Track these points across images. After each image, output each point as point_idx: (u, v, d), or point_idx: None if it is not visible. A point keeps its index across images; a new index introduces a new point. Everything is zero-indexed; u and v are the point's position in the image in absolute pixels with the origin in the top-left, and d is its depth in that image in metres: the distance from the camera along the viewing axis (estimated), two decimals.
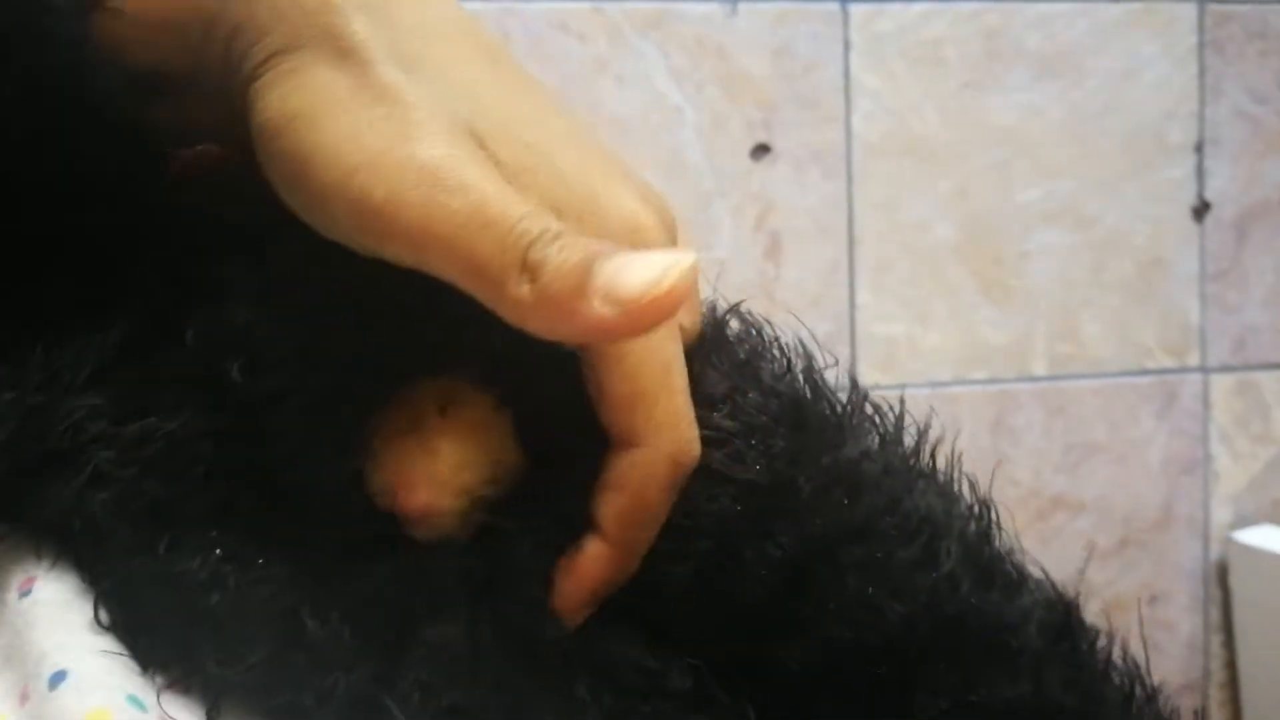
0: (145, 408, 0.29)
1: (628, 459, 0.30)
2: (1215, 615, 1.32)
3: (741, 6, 1.19)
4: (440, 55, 0.31)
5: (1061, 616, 0.32)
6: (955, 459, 0.35)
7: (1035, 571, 0.33)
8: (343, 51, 0.29)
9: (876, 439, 0.34)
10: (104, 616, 0.29)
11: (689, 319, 0.33)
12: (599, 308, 0.26)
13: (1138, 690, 0.32)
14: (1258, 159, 1.30)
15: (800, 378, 0.34)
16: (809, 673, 0.31)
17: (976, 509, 0.34)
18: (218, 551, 0.29)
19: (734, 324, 0.35)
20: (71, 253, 0.31)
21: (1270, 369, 1.31)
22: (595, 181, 0.31)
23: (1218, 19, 1.28)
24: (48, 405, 0.29)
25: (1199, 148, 1.29)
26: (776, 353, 0.35)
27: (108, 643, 0.29)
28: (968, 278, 1.25)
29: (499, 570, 0.30)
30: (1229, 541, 1.30)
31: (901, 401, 0.35)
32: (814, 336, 0.35)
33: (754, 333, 0.35)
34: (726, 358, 0.34)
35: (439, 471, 0.30)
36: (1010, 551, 0.33)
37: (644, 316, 0.26)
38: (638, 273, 0.26)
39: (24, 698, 0.28)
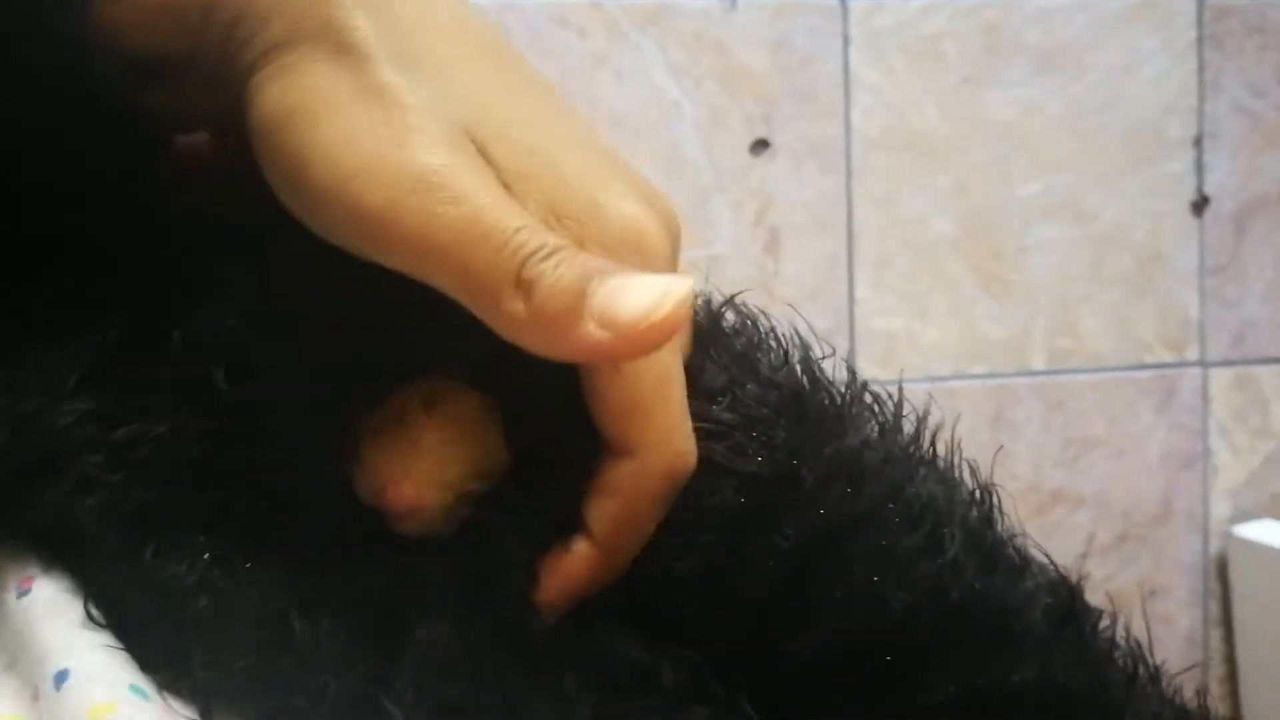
0: (134, 411, 0.29)
1: (621, 467, 0.30)
2: (1214, 610, 1.32)
3: (740, 1, 1.19)
4: (443, 55, 0.30)
5: (1065, 600, 0.32)
6: (955, 446, 0.35)
7: (1038, 556, 0.33)
8: (342, 48, 0.29)
9: (876, 428, 0.34)
10: (96, 616, 0.29)
11: (682, 338, 0.33)
12: (593, 330, 0.26)
13: (1141, 671, 0.32)
14: (1257, 153, 1.30)
15: (798, 369, 0.34)
16: (814, 664, 0.31)
17: (978, 495, 0.34)
18: (206, 555, 0.29)
19: (730, 316, 0.35)
20: (67, 253, 0.31)
21: (1269, 363, 1.31)
22: (598, 186, 0.30)
23: (1216, 14, 1.28)
24: (40, 410, 0.29)
25: (1198, 142, 1.29)
26: (773, 344, 0.34)
27: (107, 637, 0.28)
28: (967, 272, 1.25)
29: (488, 567, 0.30)
30: (1228, 536, 1.30)
31: (900, 389, 0.35)
32: (813, 331, 0.35)
33: (750, 324, 0.35)
34: (724, 350, 0.33)
35: (424, 466, 0.30)
36: (1012, 536, 0.33)
37: (639, 341, 0.26)
38: (634, 297, 0.26)
39: (35, 698, 0.28)
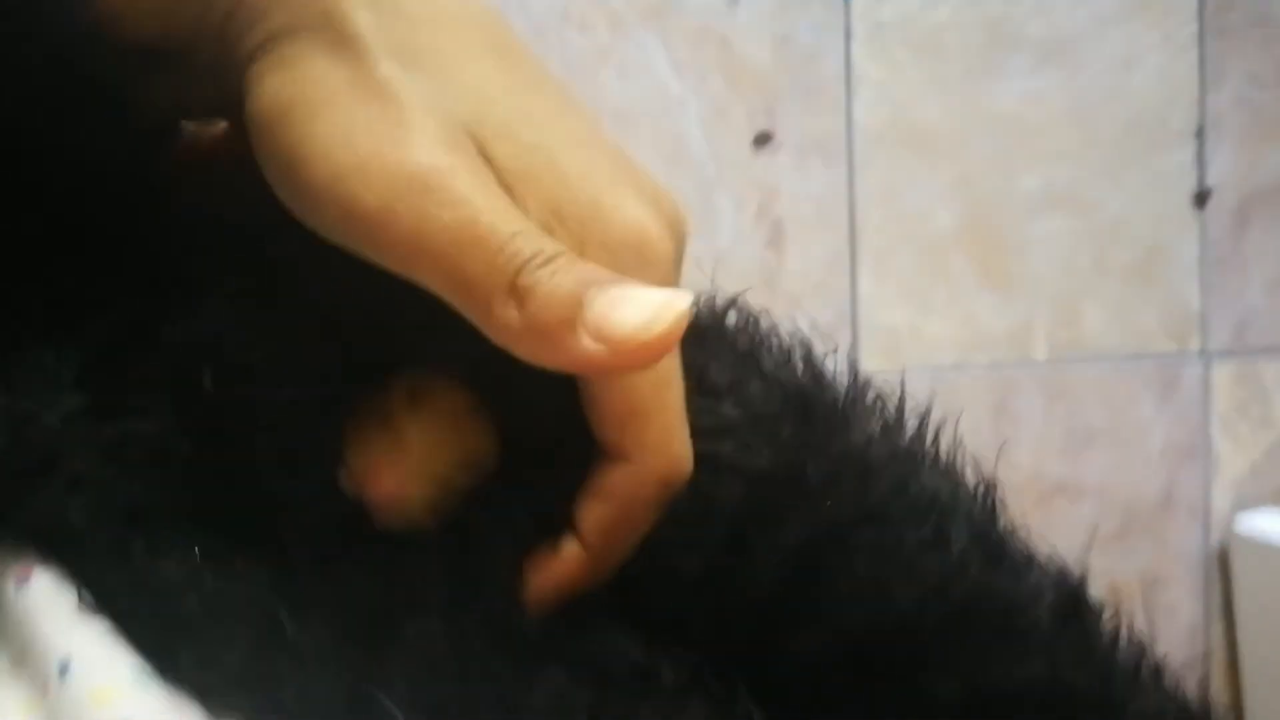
0: (126, 409, 0.29)
1: (617, 472, 0.30)
2: (1216, 600, 1.32)
3: None
4: (446, 49, 0.29)
5: (1070, 595, 0.32)
6: (958, 441, 0.35)
7: (1041, 551, 0.33)
8: (342, 40, 0.28)
9: (879, 424, 0.34)
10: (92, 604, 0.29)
11: None
12: (587, 343, 0.26)
13: (1145, 666, 0.32)
14: (1259, 145, 1.30)
15: (801, 367, 0.34)
16: (817, 664, 0.31)
17: (981, 490, 0.34)
18: (196, 552, 0.29)
19: (732, 316, 0.35)
20: (64, 252, 0.31)
21: (1271, 354, 1.31)
22: (601, 186, 0.29)
23: (1218, 5, 1.28)
24: (36, 409, 0.29)
25: (1200, 134, 1.28)
26: (776, 343, 0.35)
27: (106, 623, 0.28)
28: (969, 265, 1.25)
29: (477, 565, 0.30)
30: (1230, 527, 1.30)
31: (903, 384, 0.35)
32: (816, 325, 0.35)
33: (753, 324, 0.35)
34: (728, 349, 0.34)
35: (406, 458, 0.29)
36: (1015, 532, 0.34)
37: (633, 357, 0.26)
38: (631, 312, 0.26)
39: (45, 690, 0.28)
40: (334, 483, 0.30)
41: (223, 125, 0.35)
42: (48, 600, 0.29)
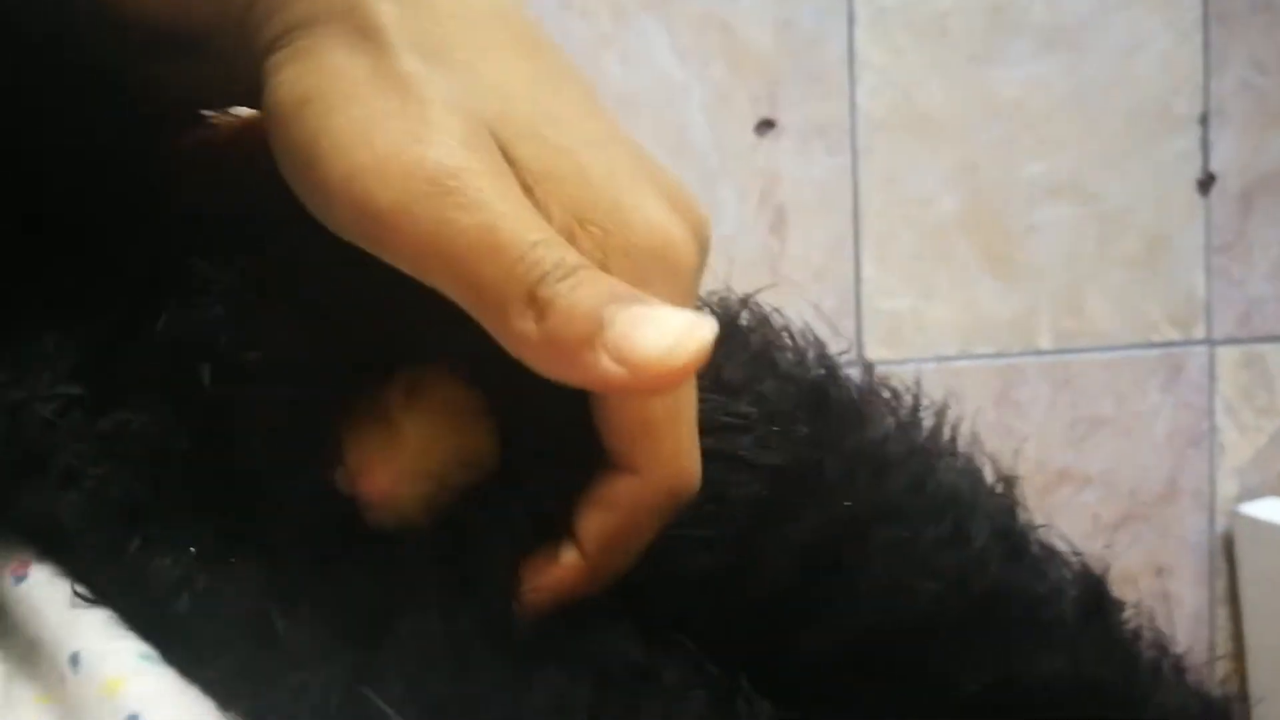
0: (121, 402, 0.29)
1: (622, 482, 0.29)
2: (1221, 588, 1.32)
3: None
4: (471, 44, 0.28)
5: (1092, 589, 0.32)
6: (974, 438, 0.35)
7: (1060, 545, 0.33)
8: (364, 32, 0.27)
9: (894, 420, 0.34)
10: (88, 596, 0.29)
11: None
12: (607, 364, 0.25)
13: (1166, 661, 0.32)
14: (1263, 131, 1.29)
15: (814, 364, 0.34)
16: (829, 663, 0.31)
17: (1000, 486, 0.34)
18: (190, 550, 0.28)
19: (745, 315, 0.35)
20: (63, 246, 0.30)
21: (1276, 341, 1.31)
22: (625, 190, 0.28)
23: None
24: (30, 400, 0.28)
25: (1204, 120, 1.28)
26: (788, 341, 0.34)
27: (107, 611, 0.28)
28: (973, 252, 1.25)
29: (474, 564, 0.29)
30: (1234, 514, 1.30)
31: (918, 383, 0.35)
32: (819, 311, 0.35)
33: (765, 322, 0.35)
34: (741, 348, 0.33)
35: (401, 454, 0.29)
36: (1035, 527, 0.33)
37: (655, 383, 0.25)
38: (654, 333, 0.25)
39: (61, 682, 0.28)
40: (331, 481, 0.29)
41: (242, 116, 0.34)
42: (49, 592, 0.28)
